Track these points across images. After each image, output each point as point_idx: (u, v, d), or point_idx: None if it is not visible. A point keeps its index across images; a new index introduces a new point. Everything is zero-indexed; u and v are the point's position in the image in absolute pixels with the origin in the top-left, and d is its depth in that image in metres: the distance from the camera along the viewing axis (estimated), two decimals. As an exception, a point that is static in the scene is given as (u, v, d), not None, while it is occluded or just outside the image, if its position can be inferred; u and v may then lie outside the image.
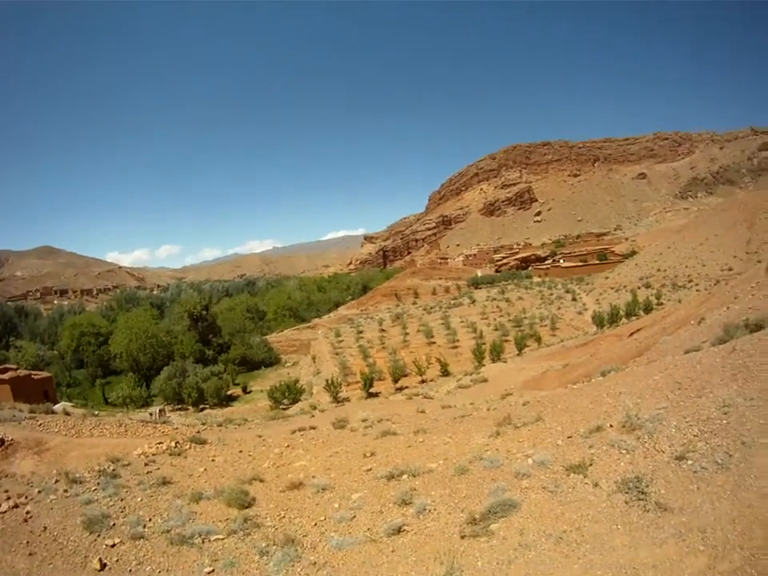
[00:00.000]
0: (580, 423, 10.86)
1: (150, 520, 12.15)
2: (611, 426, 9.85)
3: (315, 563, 8.98)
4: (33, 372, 53.24)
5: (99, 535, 11.60)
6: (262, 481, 14.13)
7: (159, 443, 20.21)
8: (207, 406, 49.75)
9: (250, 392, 56.46)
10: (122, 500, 13.34)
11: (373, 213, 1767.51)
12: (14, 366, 54.45)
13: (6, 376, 45.70)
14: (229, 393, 53.96)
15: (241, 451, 18.75)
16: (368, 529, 9.57)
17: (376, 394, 39.03)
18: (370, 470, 12.57)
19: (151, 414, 39.29)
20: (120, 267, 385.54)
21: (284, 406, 41.68)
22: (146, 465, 16.44)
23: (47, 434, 23.03)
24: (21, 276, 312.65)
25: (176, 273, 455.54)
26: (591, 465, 8.81)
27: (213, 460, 17.24)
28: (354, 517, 10.19)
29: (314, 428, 21.01)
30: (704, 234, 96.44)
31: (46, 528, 12.10)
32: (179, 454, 17.97)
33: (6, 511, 13.24)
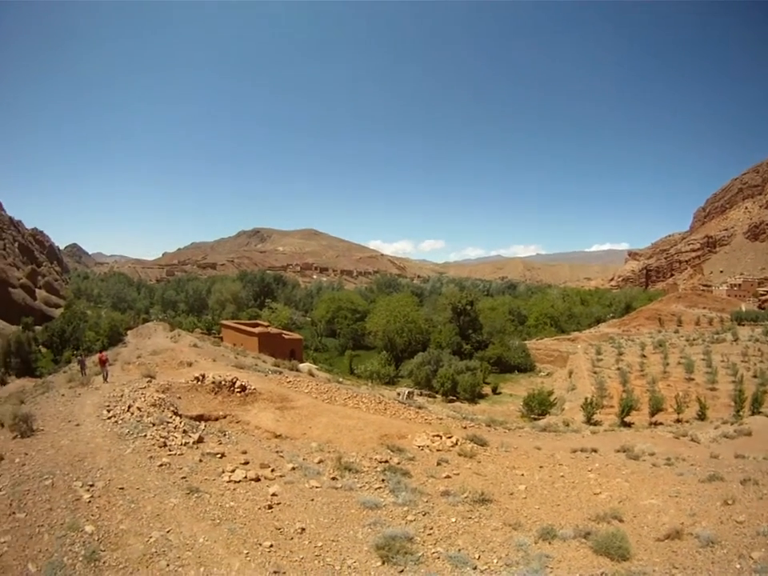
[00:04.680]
0: None
1: (478, 558, 7.75)
2: None
3: None
4: (284, 331, 59.29)
5: (402, 573, 7.35)
6: (620, 521, 10.32)
7: (436, 435, 16.81)
8: (456, 399, 48.55)
9: (499, 393, 53.81)
10: (424, 515, 9.30)
11: (637, 227, 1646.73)
12: (265, 323, 62.65)
13: (256, 330, 52.43)
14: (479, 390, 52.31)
15: (541, 467, 14.51)
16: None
17: (629, 424, 35.39)
18: (743, 522, 9.83)
19: (399, 394, 38.49)
20: (382, 255, 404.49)
21: (534, 416, 39.83)
22: (438, 464, 12.63)
23: (295, 392, 21.73)
24: (282, 251, 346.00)
25: (437, 267, 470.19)
26: None
27: (522, 475, 12.67)
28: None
29: (594, 451, 18.51)
30: None
31: (303, 530, 8.30)
32: (471, 456, 13.97)
33: (239, 481, 9.74)
